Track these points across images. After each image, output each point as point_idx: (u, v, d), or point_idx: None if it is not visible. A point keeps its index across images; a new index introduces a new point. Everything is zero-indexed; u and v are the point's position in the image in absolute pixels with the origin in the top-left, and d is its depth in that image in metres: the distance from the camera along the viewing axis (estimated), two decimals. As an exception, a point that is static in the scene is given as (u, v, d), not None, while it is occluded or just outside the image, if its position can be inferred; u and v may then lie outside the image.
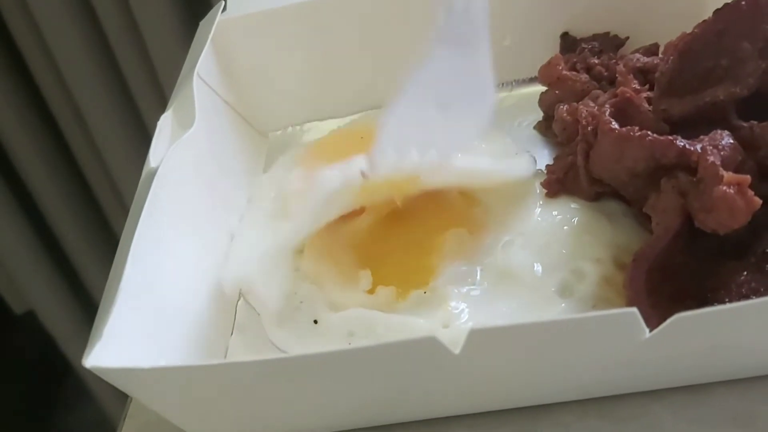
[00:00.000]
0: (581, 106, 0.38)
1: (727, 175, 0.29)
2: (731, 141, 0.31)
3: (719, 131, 0.32)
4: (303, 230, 0.39)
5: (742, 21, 0.33)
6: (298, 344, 0.35)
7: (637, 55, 0.41)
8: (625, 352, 0.26)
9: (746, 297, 0.29)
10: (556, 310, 0.33)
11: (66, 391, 1.17)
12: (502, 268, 0.36)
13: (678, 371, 0.29)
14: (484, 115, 0.37)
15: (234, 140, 0.46)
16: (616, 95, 0.36)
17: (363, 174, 0.36)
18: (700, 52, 0.34)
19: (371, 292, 0.36)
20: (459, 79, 0.36)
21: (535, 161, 0.41)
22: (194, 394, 0.28)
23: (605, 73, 0.42)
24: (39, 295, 1.15)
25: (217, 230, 0.40)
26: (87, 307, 1.17)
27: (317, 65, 0.49)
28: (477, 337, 0.25)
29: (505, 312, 0.34)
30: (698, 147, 0.30)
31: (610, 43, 0.46)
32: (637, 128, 0.33)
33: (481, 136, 0.42)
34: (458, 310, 0.34)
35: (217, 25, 0.45)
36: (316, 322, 0.35)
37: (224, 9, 0.47)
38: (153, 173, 0.33)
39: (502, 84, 0.48)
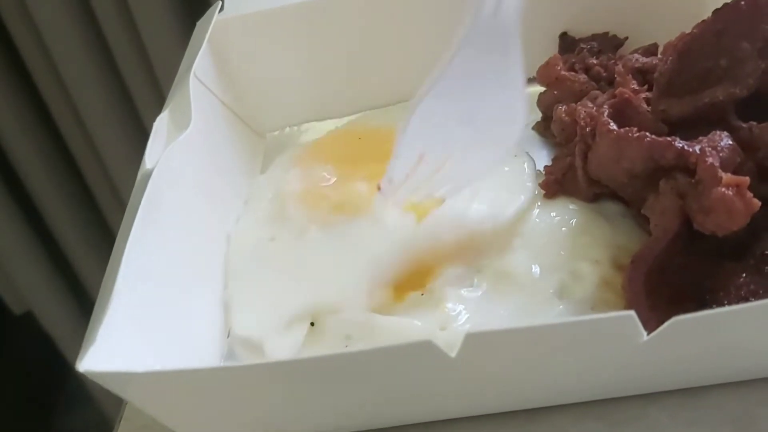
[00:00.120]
0: (579, 107, 0.37)
1: (726, 177, 0.28)
2: (730, 142, 0.31)
3: (718, 132, 0.31)
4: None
5: (742, 21, 0.32)
6: (295, 347, 0.35)
7: (636, 56, 0.41)
8: (622, 355, 0.26)
9: (745, 299, 0.29)
10: (555, 312, 0.33)
11: (65, 392, 1.17)
12: (499, 269, 0.36)
13: (676, 374, 0.29)
14: (511, 136, 0.33)
15: (231, 141, 0.46)
16: (614, 96, 0.36)
17: (381, 190, 0.35)
18: (699, 53, 0.34)
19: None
20: (487, 91, 0.33)
21: (534, 162, 0.41)
22: (189, 398, 0.28)
23: (604, 74, 0.42)
24: (38, 295, 1.15)
25: (213, 232, 0.40)
26: (86, 307, 1.17)
27: (315, 65, 0.48)
28: (473, 340, 0.24)
29: (503, 314, 0.34)
30: (697, 148, 0.30)
31: (609, 44, 0.46)
32: (635, 129, 0.33)
33: (504, 160, 0.38)
34: (456, 311, 0.34)
35: (214, 25, 0.45)
36: (313, 324, 0.35)
37: (221, 9, 0.46)
38: (148, 175, 0.33)
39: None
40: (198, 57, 0.41)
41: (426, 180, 0.35)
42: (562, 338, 0.26)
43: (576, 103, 0.40)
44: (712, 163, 0.29)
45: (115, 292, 0.28)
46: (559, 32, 0.47)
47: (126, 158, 1.01)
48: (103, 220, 1.14)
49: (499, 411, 0.31)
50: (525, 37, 0.46)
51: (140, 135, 1.01)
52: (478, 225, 0.37)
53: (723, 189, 0.28)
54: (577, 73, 0.42)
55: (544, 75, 0.43)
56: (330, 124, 0.49)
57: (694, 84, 0.34)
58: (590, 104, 0.38)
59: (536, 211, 0.38)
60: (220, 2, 0.47)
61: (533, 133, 0.44)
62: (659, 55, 0.41)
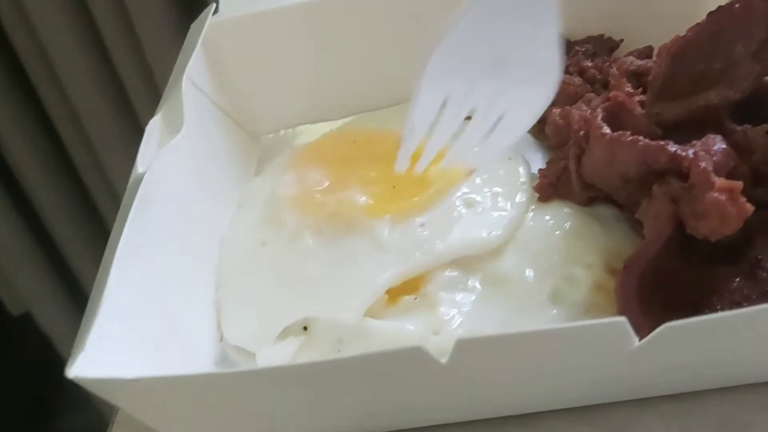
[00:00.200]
0: (573, 110, 0.37)
1: (719, 181, 0.28)
2: (724, 146, 0.31)
3: (712, 136, 0.31)
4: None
5: (736, 24, 0.32)
6: (287, 351, 0.35)
7: (631, 58, 0.41)
8: (614, 361, 0.26)
9: (738, 304, 0.29)
10: (548, 317, 0.33)
11: (62, 393, 1.17)
12: (493, 273, 0.35)
13: (668, 379, 0.29)
14: (547, 90, 0.30)
15: (225, 144, 0.46)
16: (609, 99, 0.36)
17: (403, 145, 0.32)
18: (693, 56, 0.33)
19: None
20: (518, 31, 0.29)
21: (529, 165, 0.41)
22: (180, 404, 0.28)
23: (599, 76, 0.42)
24: (36, 297, 1.15)
25: (206, 235, 0.40)
26: (83, 308, 1.17)
27: (310, 68, 0.48)
28: (465, 346, 0.24)
29: (496, 318, 0.34)
30: (690, 152, 0.30)
31: (604, 46, 0.45)
32: (628, 133, 0.32)
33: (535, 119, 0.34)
34: (449, 316, 0.34)
35: (208, 27, 0.44)
36: (305, 328, 0.35)
37: (216, 11, 0.46)
38: (140, 179, 0.33)
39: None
40: (191, 59, 0.41)
41: (451, 133, 0.31)
42: (553, 344, 0.26)
43: (570, 106, 0.39)
44: (705, 168, 0.29)
45: (105, 297, 0.28)
46: (554, 34, 0.47)
47: (124, 159, 1.01)
48: (101, 221, 1.13)
49: (491, 416, 0.31)
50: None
51: (138, 136, 0.98)
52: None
53: (716, 194, 0.28)
54: (572, 76, 0.42)
55: (539, 77, 0.43)
56: (324, 127, 0.49)
57: (689, 87, 0.34)
58: (585, 107, 0.38)
59: (530, 214, 0.38)
60: (215, 4, 0.47)
61: (528, 135, 0.44)
62: (654, 58, 0.41)
